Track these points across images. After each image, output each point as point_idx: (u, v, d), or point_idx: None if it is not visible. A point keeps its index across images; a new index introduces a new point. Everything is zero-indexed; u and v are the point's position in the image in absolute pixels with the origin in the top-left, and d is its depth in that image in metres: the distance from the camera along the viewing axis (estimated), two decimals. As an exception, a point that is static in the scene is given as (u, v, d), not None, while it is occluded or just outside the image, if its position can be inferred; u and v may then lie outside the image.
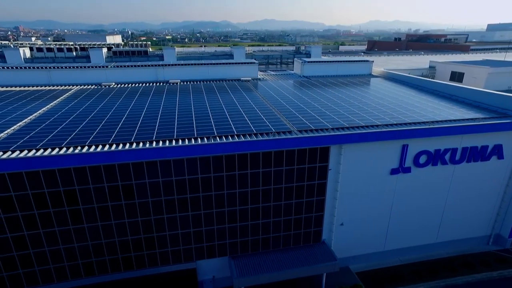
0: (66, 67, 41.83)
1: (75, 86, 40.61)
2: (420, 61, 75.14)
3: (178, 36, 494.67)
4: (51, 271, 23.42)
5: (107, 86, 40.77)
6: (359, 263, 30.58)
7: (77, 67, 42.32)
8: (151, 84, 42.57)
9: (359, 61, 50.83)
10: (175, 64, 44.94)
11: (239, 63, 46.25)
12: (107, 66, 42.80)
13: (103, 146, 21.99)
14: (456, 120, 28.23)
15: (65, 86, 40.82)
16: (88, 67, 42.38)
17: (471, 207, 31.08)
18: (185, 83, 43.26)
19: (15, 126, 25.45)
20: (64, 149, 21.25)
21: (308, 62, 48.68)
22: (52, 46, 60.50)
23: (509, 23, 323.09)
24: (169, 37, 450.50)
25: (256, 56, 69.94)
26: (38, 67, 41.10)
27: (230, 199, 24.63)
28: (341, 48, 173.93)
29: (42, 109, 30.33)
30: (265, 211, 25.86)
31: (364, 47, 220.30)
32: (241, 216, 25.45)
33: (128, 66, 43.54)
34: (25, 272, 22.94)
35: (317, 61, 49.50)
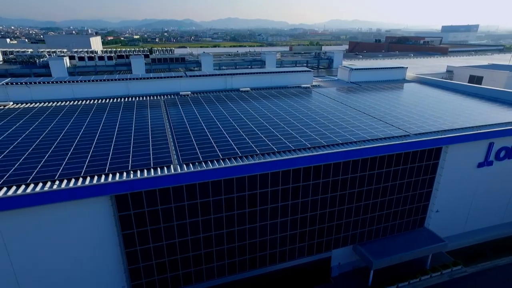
0: (143, 78, 43.38)
1: (154, 97, 42.30)
2: (423, 64, 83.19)
3: (146, 35, 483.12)
4: (214, 268, 26.33)
5: (186, 95, 42.92)
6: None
7: (153, 77, 44.00)
8: (225, 92, 45.23)
9: (395, 67, 56.79)
10: (242, 73, 47.91)
11: (298, 71, 50.22)
12: (181, 76, 44.86)
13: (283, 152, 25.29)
14: (526, 120, 34.44)
15: (143, 97, 42.29)
16: (165, 77, 44.20)
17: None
18: (255, 90, 46.40)
19: (170, 137, 27.72)
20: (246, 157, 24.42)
21: (355, 69, 53.82)
22: (93, 55, 60.07)
23: (460, 25, 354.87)
24: (137, 36, 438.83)
25: (285, 62, 74.04)
26: (117, 79, 42.32)
27: (367, 194, 28.86)
28: (324, 49, 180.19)
29: (166, 120, 32.39)
30: (389, 203, 30.37)
31: (340, 47, 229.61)
32: (372, 208, 29.76)
33: (200, 76, 45.88)
34: (184, 272, 25.73)
35: (361, 69, 54.87)
